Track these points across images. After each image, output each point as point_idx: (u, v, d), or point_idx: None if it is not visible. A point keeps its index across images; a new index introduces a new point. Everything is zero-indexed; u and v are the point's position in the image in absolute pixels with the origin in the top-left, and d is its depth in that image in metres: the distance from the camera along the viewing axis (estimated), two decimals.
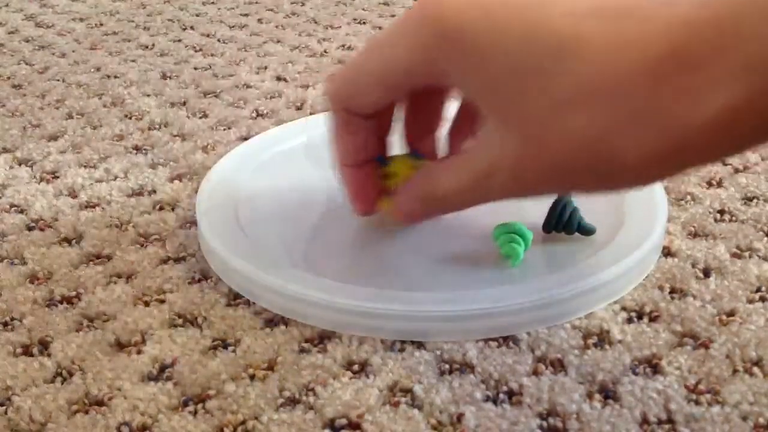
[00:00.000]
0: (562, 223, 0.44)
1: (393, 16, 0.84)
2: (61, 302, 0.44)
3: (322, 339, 0.40)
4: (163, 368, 0.39)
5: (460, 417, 0.36)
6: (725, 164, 0.54)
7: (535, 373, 0.38)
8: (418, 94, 0.40)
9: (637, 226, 0.44)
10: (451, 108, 0.43)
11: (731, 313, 0.41)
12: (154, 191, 0.53)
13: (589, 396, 0.37)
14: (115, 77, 0.71)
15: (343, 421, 0.36)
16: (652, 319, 0.41)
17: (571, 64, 0.29)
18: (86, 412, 0.37)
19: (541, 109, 0.30)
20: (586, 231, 0.44)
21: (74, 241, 0.49)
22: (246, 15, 0.86)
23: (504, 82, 0.31)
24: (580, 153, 0.30)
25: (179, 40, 0.79)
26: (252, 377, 0.38)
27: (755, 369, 0.38)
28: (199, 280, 0.45)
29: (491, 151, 0.34)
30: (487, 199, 0.36)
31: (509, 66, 0.31)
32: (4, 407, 0.37)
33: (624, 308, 0.42)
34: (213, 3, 0.90)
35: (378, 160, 0.43)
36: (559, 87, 0.30)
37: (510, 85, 0.31)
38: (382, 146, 0.43)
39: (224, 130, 0.61)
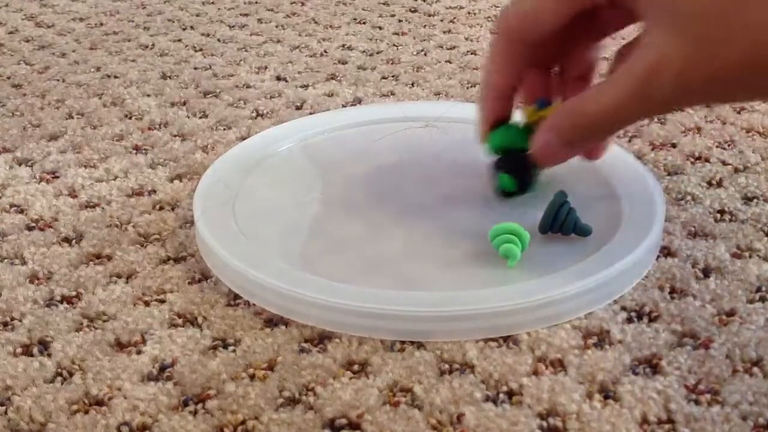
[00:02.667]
0: (559, 223, 0.44)
1: (393, 15, 0.84)
2: (61, 302, 0.44)
3: (322, 339, 0.40)
4: (163, 368, 0.39)
5: (460, 417, 0.36)
6: (725, 164, 0.55)
7: (535, 373, 0.38)
8: (574, 43, 0.41)
9: (636, 226, 0.44)
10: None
11: (731, 313, 0.41)
12: (154, 191, 0.53)
13: (589, 396, 0.37)
14: (115, 77, 0.71)
15: (343, 421, 0.36)
16: (652, 319, 0.41)
17: None
18: (86, 412, 0.37)
19: (721, 4, 0.30)
20: (583, 232, 0.44)
21: (74, 241, 0.49)
22: (246, 15, 0.86)
23: None
24: (753, 49, 0.30)
25: (179, 40, 0.79)
26: (252, 377, 0.38)
27: (755, 369, 0.38)
28: (199, 280, 0.45)
29: (655, 53, 0.32)
30: (645, 112, 0.35)
31: None
32: (4, 407, 0.37)
33: (624, 308, 0.42)
34: (213, 3, 0.90)
35: (540, 103, 0.45)
36: None
37: None
38: (542, 88, 0.44)
39: (224, 130, 0.61)
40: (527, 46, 0.41)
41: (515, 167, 0.47)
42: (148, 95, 0.67)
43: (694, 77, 0.32)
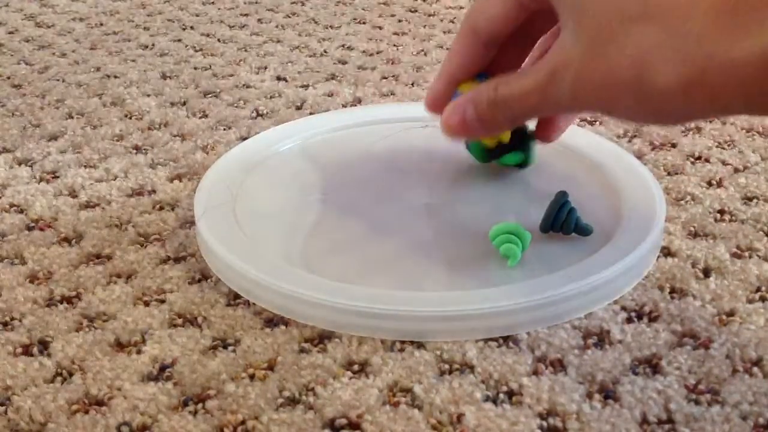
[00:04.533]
0: (560, 223, 0.44)
1: (393, 15, 0.84)
2: (61, 302, 0.44)
3: (322, 339, 0.40)
4: (163, 368, 0.39)
5: (460, 417, 0.36)
6: (725, 164, 0.54)
7: (535, 373, 0.38)
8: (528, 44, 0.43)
9: (636, 226, 0.44)
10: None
11: (731, 313, 0.41)
12: (154, 191, 0.53)
13: (589, 396, 0.37)
14: (115, 77, 0.71)
15: (343, 421, 0.36)
16: (652, 319, 0.41)
17: None
18: (86, 412, 0.37)
19: (612, 19, 0.32)
20: (584, 231, 0.44)
21: (74, 241, 0.49)
22: (246, 15, 0.86)
23: None
24: (626, 69, 0.32)
25: (179, 40, 0.79)
26: (252, 377, 0.38)
27: (755, 369, 0.38)
28: (199, 280, 0.45)
29: (562, 53, 0.35)
30: (551, 107, 0.37)
31: None
32: (4, 407, 0.37)
33: (624, 308, 0.42)
34: (213, 3, 0.90)
35: (479, 76, 0.44)
36: (632, 1, 0.32)
37: None
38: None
39: (224, 130, 0.61)
40: (485, 45, 0.42)
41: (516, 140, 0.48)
42: (148, 95, 0.67)
43: (586, 81, 0.34)
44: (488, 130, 0.42)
